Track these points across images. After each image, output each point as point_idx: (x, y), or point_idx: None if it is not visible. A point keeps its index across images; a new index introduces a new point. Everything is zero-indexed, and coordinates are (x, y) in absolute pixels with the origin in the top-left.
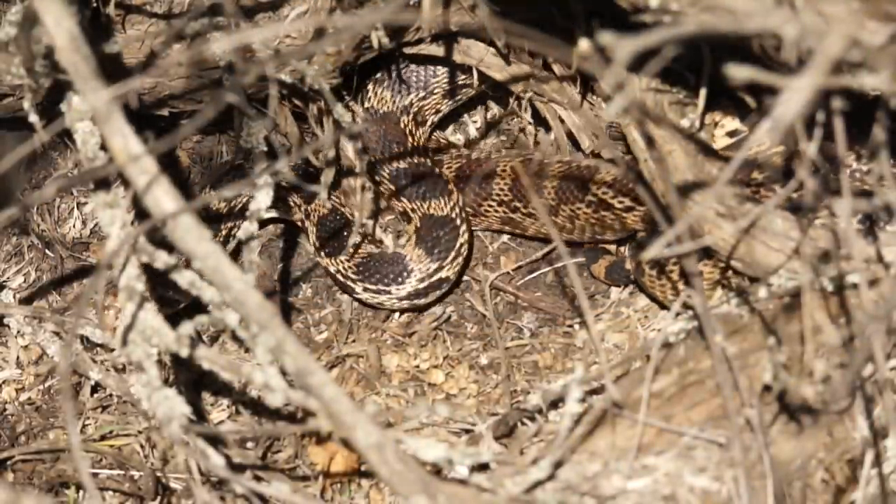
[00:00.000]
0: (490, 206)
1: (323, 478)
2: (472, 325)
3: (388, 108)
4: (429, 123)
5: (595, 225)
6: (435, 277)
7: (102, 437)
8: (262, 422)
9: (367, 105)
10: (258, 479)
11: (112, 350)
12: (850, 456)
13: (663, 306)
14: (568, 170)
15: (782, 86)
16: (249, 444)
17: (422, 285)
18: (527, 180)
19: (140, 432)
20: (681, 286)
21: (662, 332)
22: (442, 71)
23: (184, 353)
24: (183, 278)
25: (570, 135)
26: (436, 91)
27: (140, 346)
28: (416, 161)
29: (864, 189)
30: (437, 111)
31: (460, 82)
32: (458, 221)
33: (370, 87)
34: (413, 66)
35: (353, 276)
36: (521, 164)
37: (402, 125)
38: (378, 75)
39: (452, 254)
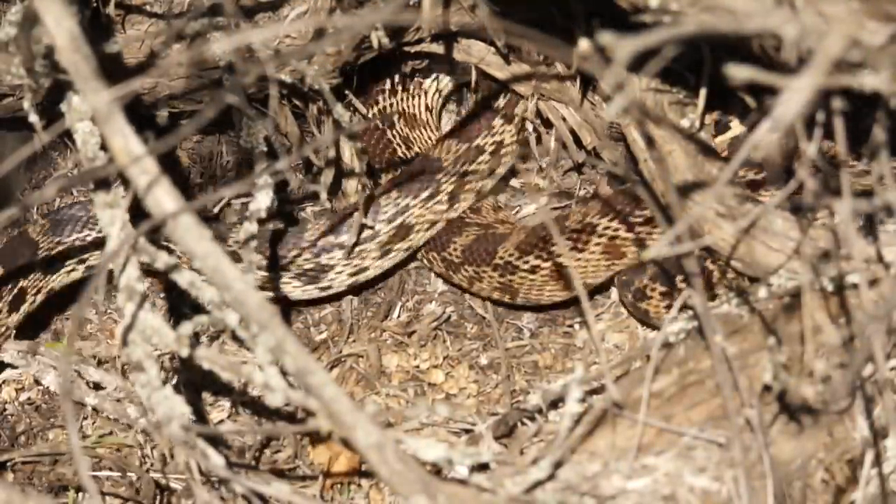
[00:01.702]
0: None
1: (323, 478)
2: (472, 325)
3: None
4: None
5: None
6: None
7: (101, 438)
8: (262, 422)
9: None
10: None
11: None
12: (850, 456)
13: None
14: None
15: (782, 86)
16: (247, 445)
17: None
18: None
19: (139, 433)
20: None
21: (662, 332)
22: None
23: (184, 353)
24: (183, 278)
25: (572, 132)
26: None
27: (140, 346)
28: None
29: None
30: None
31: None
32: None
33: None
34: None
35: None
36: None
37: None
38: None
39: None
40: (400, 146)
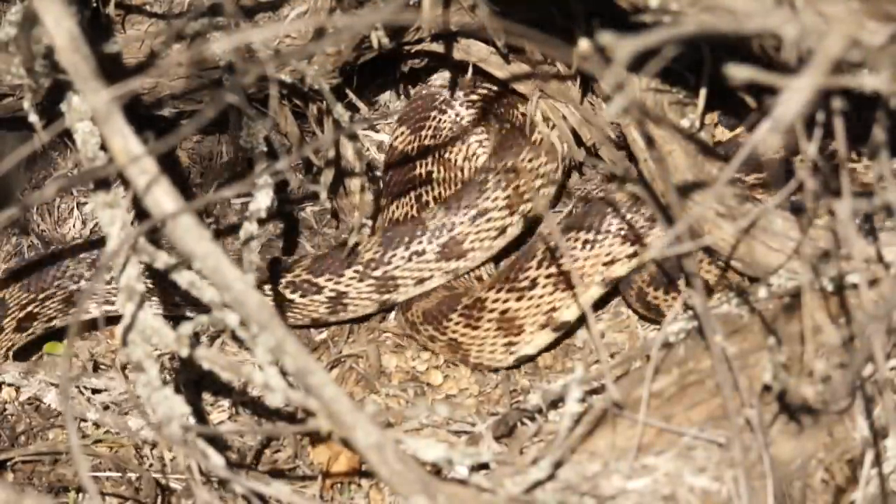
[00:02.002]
0: None
1: (323, 478)
2: None
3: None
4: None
5: None
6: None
7: (101, 438)
8: (262, 422)
9: None
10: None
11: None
12: (850, 456)
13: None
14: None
15: (782, 86)
16: (247, 446)
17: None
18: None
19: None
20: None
21: (662, 332)
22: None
23: (184, 353)
24: (183, 278)
25: (572, 131)
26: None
27: (140, 346)
28: None
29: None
30: None
31: None
32: None
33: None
34: None
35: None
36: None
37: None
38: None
39: None
40: (429, 130)
